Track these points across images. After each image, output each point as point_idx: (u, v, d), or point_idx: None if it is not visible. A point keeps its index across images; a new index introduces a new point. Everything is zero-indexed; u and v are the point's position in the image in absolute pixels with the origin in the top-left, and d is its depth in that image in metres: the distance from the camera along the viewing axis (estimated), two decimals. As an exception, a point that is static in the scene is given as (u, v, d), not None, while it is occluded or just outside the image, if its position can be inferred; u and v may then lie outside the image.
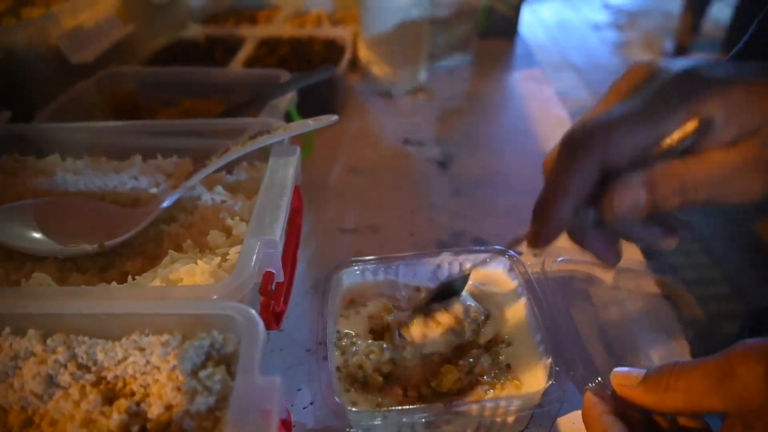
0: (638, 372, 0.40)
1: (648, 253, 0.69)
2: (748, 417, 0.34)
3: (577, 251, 0.53)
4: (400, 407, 0.44)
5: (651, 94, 0.36)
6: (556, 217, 0.38)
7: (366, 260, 0.56)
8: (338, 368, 0.48)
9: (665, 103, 0.36)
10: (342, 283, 0.55)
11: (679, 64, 0.37)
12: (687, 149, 0.36)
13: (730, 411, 0.35)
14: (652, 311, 0.60)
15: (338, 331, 0.51)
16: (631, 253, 0.70)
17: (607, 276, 0.61)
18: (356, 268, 0.55)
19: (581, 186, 0.37)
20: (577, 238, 0.41)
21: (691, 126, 0.35)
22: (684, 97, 0.35)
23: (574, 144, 0.37)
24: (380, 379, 0.47)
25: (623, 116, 0.36)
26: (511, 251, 0.56)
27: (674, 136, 0.35)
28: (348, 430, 0.44)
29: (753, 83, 0.35)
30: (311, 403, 0.52)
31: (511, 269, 0.55)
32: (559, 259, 0.57)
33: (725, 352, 0.36)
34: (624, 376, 0.41)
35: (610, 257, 0.41)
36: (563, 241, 0.51)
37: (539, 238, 0.40)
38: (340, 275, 0.55)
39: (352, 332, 0.51)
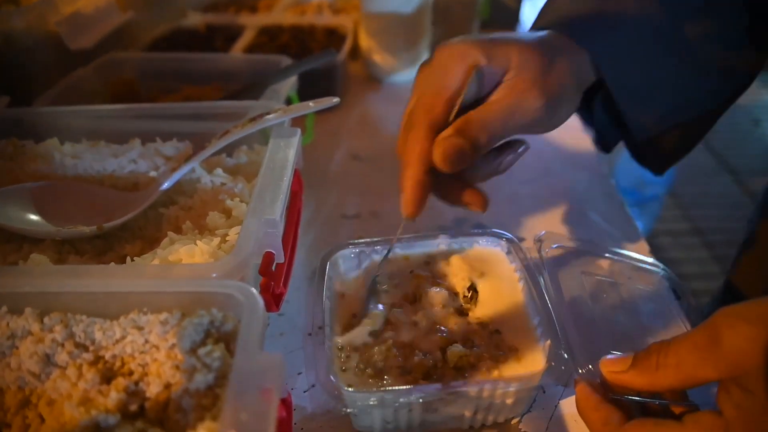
0: (626, 357, 0.40)
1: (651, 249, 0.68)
2: (743, 380, 0.34)
3: (573, 239, 0.53)
4: (396, 388, 0.43)
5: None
6: (414, 181, 0.47)
7: (362, 242, 0.55)
8: (337, 351, 0.47)
9: (452, 63, 0.48)
10: (338, 266, 0.54)
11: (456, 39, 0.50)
12: (476, 100, 0.49)
13: (723, 378, 0.35)
14: (650, 298, 0.59)
15: (337, 314, 0.50)
16: (635, 248, 0.70)
17: (604, 263, 0.61)
18: (352, 250, 0.55)
19: (421, 149, 0.47)
20: (444, 197, 0.52)
21: (469, 75, 0.47)
22: (459, 57, 0.48)
23: (407, 123, 0.48)
24: (380, 361, 0.46)
25: (428, 88, 0.48)
26: (508, 234, 0.55)
27: (462, 89, 0.47)
28: (345, 411, 0.43)
29: (503, 39, 0.49)
30: (312, 386, 0.52)
31: (509, 252, 0.55)
32: (554, 246, 0.56)
33: (708, 322, 0.36)
34: (613, 363, 0.41)
35: (477, 201, 0.51)
36: (559, 228, 0.51)
37: (409, 206, 0.48)
38: (336, 258, 0.54)
39: (351, 315, 0.50)
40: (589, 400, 0.41)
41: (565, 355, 0.44)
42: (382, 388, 0.43)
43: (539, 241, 0.55)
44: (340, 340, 0.47)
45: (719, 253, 2.30)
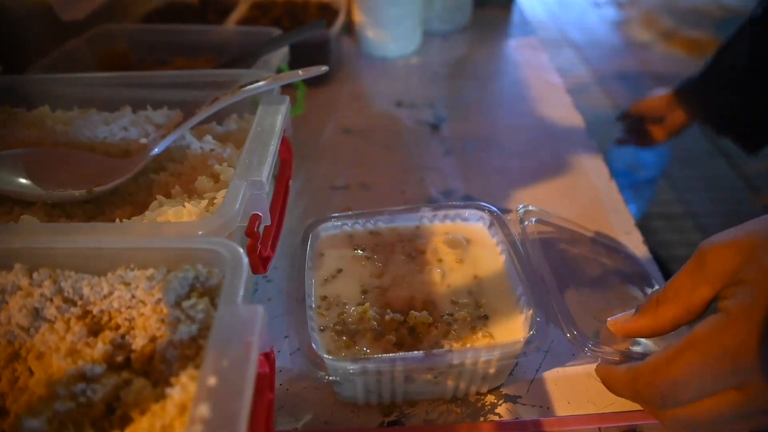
0: (629, 312, 0.44)
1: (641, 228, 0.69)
2: (735, 276, 0.37)
3: (554, 213, 0.53)
4: (377, 356, 0.43)
5: None
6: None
7: (346, 215, 0.56)
8: (320, 318, 0.48)
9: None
10: (320, 237, 0.55)
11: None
12: None
13: (717, 289, 0.38)
14: (627, 273, 0.60)
15: (321, 283, 0.51)
16: (625, 233, 0.71)
17: (583, 237, 0.62)
18: (336, 222, 0.56)
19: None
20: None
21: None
22: None
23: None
24: (353, 323, 0.47)
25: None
26: (491, 207, 0.56)
27: None
28: (327, 378, 0.44)
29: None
30: (298, 349, 0.53)
31: (491, 225, 0.55)
32: (534, 219, 0.57)
33: (694, 253, 0.40)
34: (618, 319, 0.45)
35: None
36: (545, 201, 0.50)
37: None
38: (319, 230, 0.55)
39: (332, 283, 0.52)
40: (612, 375, 0.43)
41: (546, 324, 0.45)
42: (363, 357, 0.44)
43: (521, 212, 0.56)
44: (321, 305, 0.48)
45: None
